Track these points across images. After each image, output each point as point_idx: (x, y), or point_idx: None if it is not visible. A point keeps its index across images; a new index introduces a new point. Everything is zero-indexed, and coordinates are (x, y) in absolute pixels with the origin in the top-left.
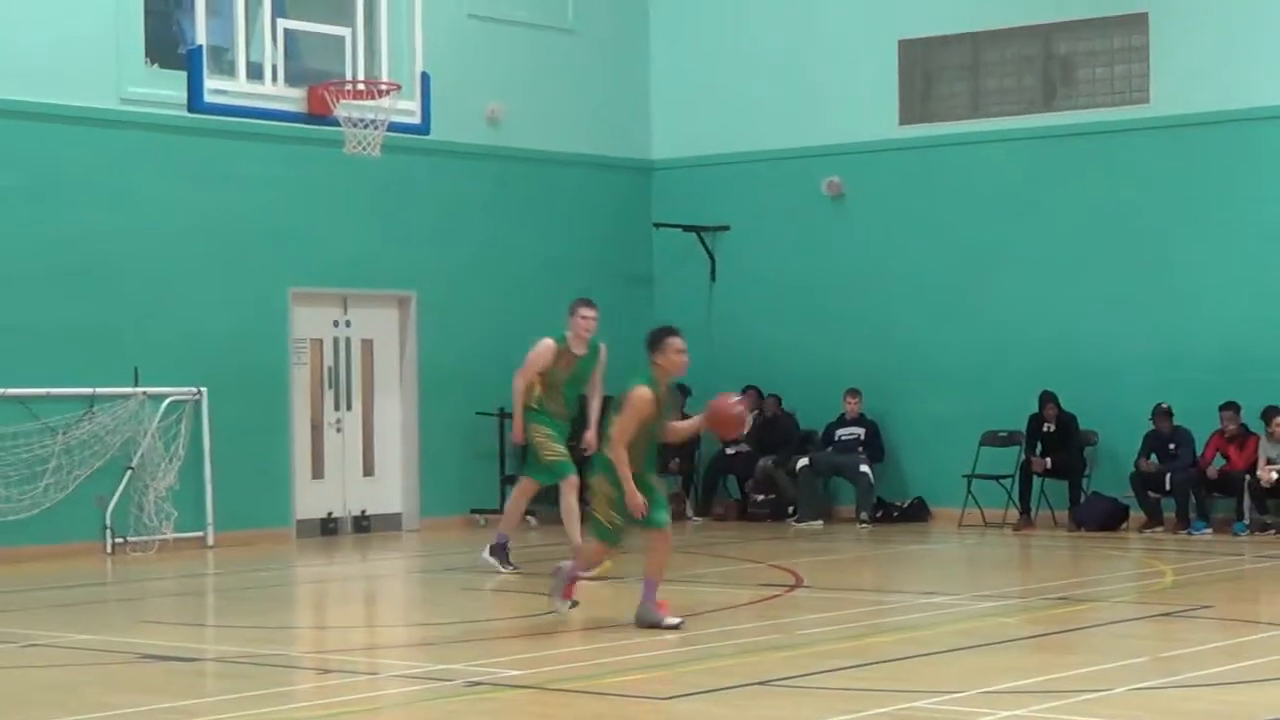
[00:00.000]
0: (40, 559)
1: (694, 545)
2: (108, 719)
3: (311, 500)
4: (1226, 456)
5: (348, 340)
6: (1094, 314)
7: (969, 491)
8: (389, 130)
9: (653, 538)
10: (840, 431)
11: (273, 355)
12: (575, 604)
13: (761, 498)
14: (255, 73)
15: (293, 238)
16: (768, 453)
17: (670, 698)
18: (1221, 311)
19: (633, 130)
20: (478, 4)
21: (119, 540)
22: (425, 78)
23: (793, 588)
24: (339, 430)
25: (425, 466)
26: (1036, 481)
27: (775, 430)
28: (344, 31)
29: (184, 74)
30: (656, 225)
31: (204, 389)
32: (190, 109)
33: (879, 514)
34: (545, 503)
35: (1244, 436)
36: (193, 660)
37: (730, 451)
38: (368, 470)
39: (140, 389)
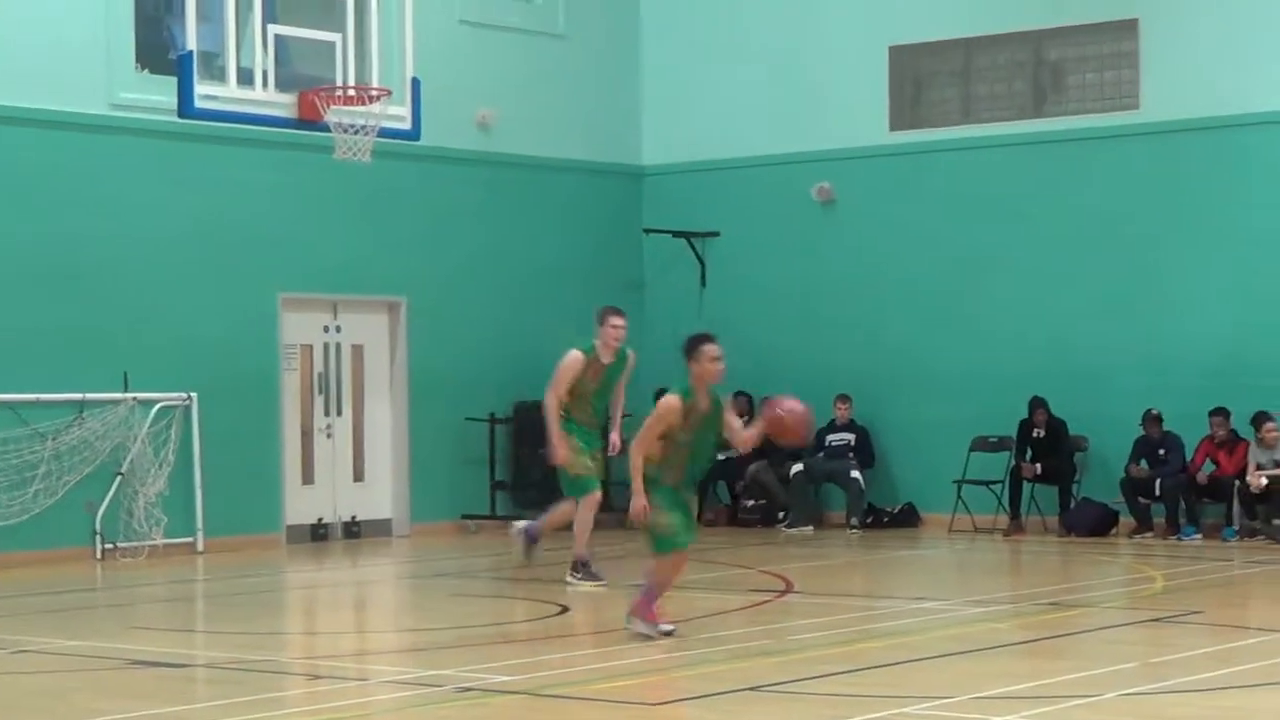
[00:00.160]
0: (30, 565)
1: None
2: None
3: (302, 506)
4: (1216, 462)
5: (338, 346)
6: (1084, 319)
7: (959, 497)
8: (379, 136)
9: (669, 557)
10: (831, 437)
11: (263, 361)
12: (670, 631)
13: (752, 503)
14: (245, 78)
15: (283, 243)
16: (758, 458)
17: (661, 703)
18: (1211, 317)
19: (623, 136)
20: (469, 9)
21: (109, 546)
22: (416, 83)
23: (783, 593)
24: (329, 436)
25: (415, 472)
26: (1026, 487)
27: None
28: (334, 37)
29: (174, 79)
30: (647, 231)
31: (194, 394)
32: (180, 114)
33: (869, 519)
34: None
35: (1234, 442)
36: (183, 666)
37: (720, 456)
38: (358, 476)
39: (130, 394)
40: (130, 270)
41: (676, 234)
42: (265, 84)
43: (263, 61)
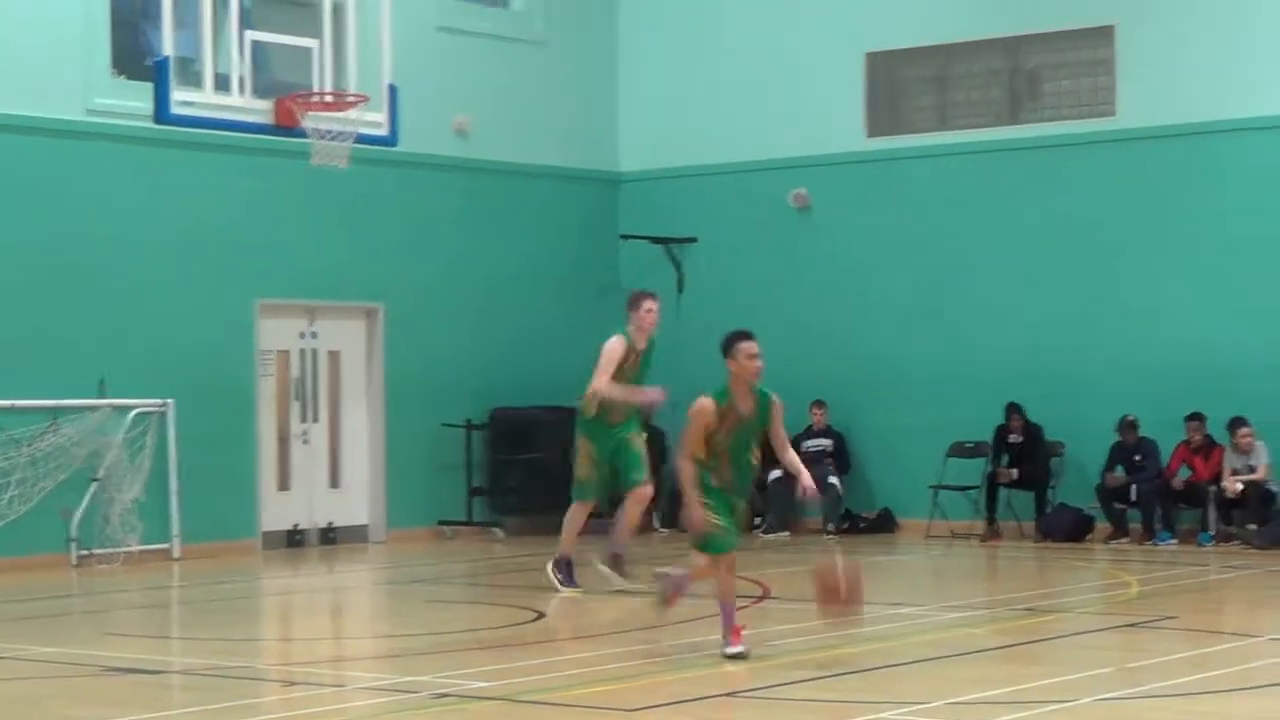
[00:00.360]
0: (5, 571)
1: (661, 557)
2: None
3: (278, 512)
4: (1192, 467)
5: (315, 352)
6: (1060, 326)
7: (935, 502)
8: (357, 142)
9: (717, 559)
10: (807, 443)
11: (239, 367)
12: (743, 654)
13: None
14: (222, 84)
15: (260, 249)
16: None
17: (637, 709)
18: (1187, 323)
19: (600, 142)
20: (446, 16)
21: (84, 553)
22: (393, 90)
23: (760, 599)
24: (305, 442)
25: (392, 478)
26: (1003, 492)
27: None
28: (312, 43)
29: (151, 85)
30: (624, 237)
31: (170, 400)
32: (157, 120)
33: (846, 525)
34: (511, 514)
35: (1209, 448)
36: (158, 673)
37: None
38: (334, 482)
39: (106, 400)
40: (107, 276)
41: (653, 240)
42: (242, 90)
43: (240, 67)
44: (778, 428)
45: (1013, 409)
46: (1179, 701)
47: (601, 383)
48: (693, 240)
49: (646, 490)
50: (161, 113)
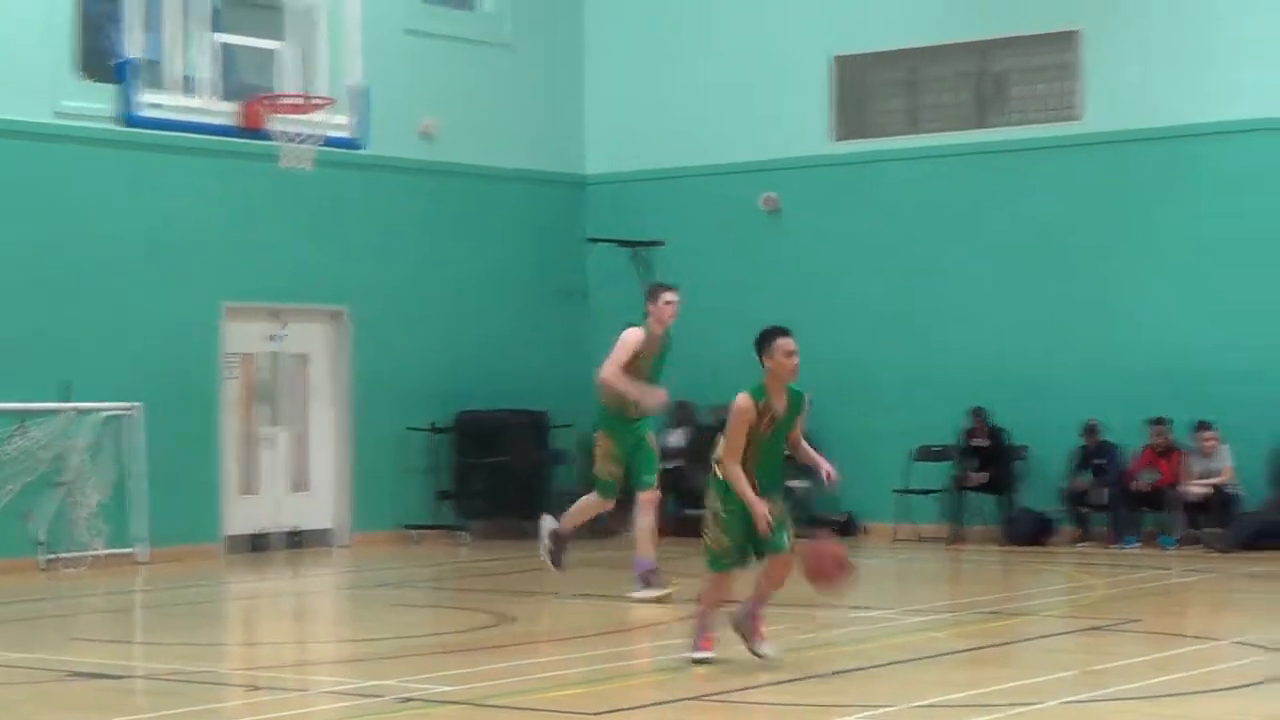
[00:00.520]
0: None
1: (626, 560)
2: None
3: (243, 516)
4: (1156, 471)
5: (281, 355)
6: (1025, 329)
7: (901, 506)
8: (324, 145)
9: (771, 562)
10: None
11: (205, 370)
12: (762, 653)
13: (693, 512)
14: (189, 86)
15: (226, 252)
16: (701, 465)
17: (602, 713)
18: (1151, 327)
19: (568, 145)
20: (413, 19)
21: (51, 557)
22: (360, 92)
23: (725, 603)
24: (271, 446)
25: (358, 482)
26: (968, 496)
27: (712, 442)
28: (279, 46)
29: (117, 87)
30: (591, 240)
31: (137, 404)
32: (123, 123)
33: (812, 529)
34: (477, 518)
35: (1173, 451)
36: (122, 678)
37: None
38: (300, 486)
39: (72, 404)
40: (73, 279)
41: (621, 243)
42: (209, 92)
43: (206, 70)
44: (800, 424)
45: (977, 413)
46: (1142, 704)
47: (610, 371)
48: (660, 244)
49: (656, 493)
50: (128, 115)
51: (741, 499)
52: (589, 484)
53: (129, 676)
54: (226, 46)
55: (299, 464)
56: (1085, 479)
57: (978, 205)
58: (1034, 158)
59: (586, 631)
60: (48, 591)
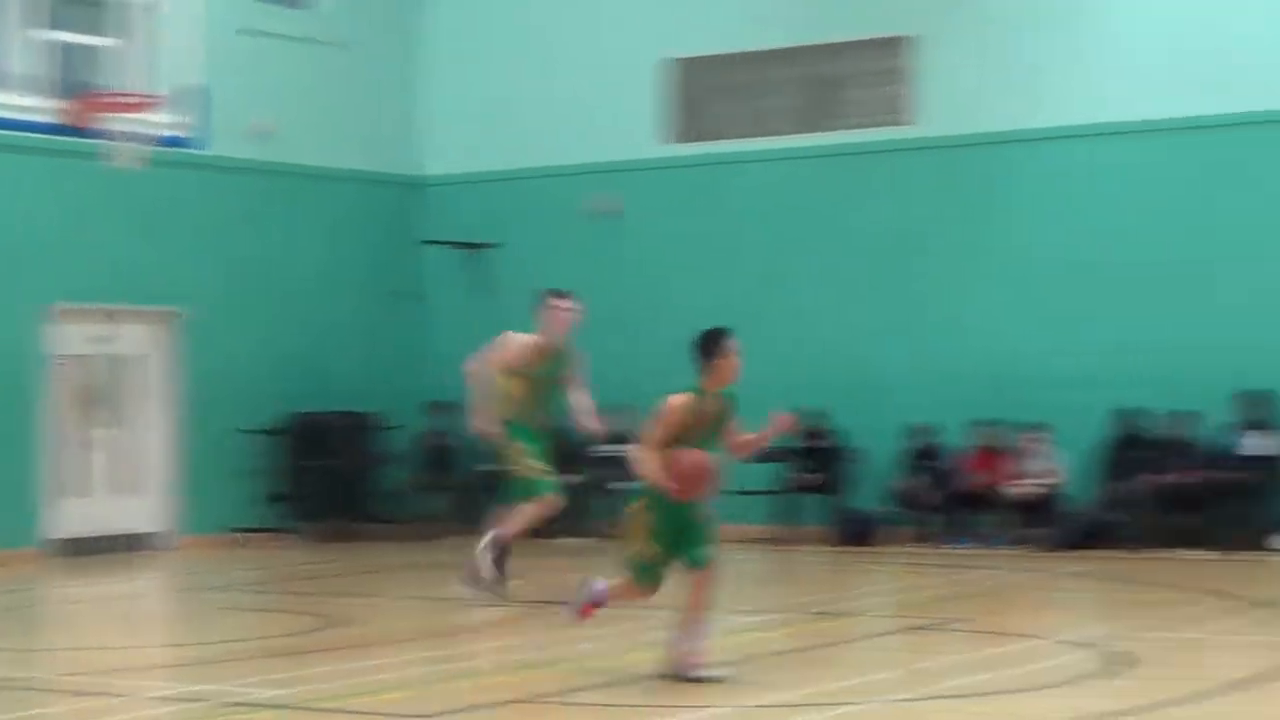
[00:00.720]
0: None
1: (454, 563)
2: None
3: (71, 519)
4: (985, 472)
5: (111, 356)
6: (857, 332)
7: (733, 507)
8: (158, 144)
9: (696, 579)
10: (608, 449)
11: (33, 371)
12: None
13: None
14: (19, 84)
15: (56, 252)
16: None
17: (430, 715)
18: (980, 330)
19: (405, 146)
20: (249, 18)
21: None
22: (194, 91)
23: (555, 603)
24: (101, 448)
25: (186, 485)
26: (801, 497)
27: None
28: (112, 44)
29: None
30: (426, 242)
31: None
32: None
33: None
34: (308, 520)
35: (1003, 452)
36: None
37: (484, 469)
38: (129, 488)
39: None
40: None
41: (458, 245)
42: (40, 90)
43: (37, 67)
44: (736, 425)
45: (810, 414)
46: (967, 703)
47: (472, 366)
48: (498, 245)
49: (558, 499)
50: None
51: (652, 482)
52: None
53: None
54: (59, 44)
55: (129, 466)
56: (916, 480)
57: (812, 209)
58: (867, 162)
59: (417, 634)
60: None
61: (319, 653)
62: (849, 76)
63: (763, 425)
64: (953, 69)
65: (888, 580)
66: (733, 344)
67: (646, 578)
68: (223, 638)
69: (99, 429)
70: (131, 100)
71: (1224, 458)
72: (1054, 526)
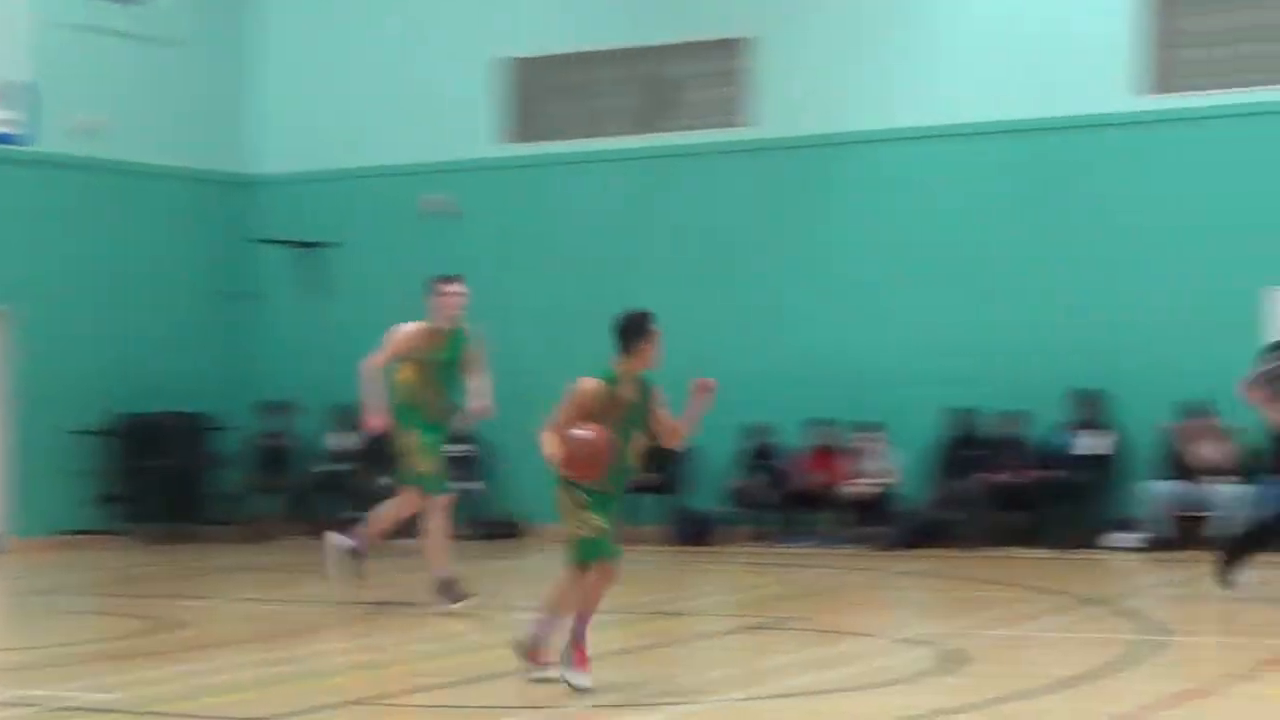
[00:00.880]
0: None
1: (289, 564)
2: None
3: None
4: (822, 471)
5: None
6: (695, 331)
7: None
8: None
9: (599, 571)
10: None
11: None
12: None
13: (362, 515)
14: None
15: None
16: (374, 468)
17: (267, 718)
18: (818, 329)
19: (238, 144)
20: (78, 14)
21: None
22: (22, 87)
23: (391, 604)
24: None
25: (16, 486)
26: (638, 496)
27: (386, 445)
28: None
29: None
30: (260, 241)
31: None
32: None
33: (482, 531)
34: (140, 522)
35: (839, 452)
36: None
37: (320, 469)
38: None
39: None
40: None
41: (292, 244)
42: None
43: None
44: (663, 411)
45: None
46: (806, 701)
47: (368, 362)
48: (333, 244)
49: (450, 497)
50: None
51: (560, 452)
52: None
53: None
54: None
55: None
56: (753, 480)
57: (649, 210)
58: (703, 163)
59: (253, 636)
60: None
61: (152, 655)
62: (685, 78)
63: (684, 408)
64: (788, 71)
65: (725, 580)
66: (654, 328)
67: (596, 553)
68: (52, 641)
69: None
70: None
71: (1056, 457)
72: (889, 525)
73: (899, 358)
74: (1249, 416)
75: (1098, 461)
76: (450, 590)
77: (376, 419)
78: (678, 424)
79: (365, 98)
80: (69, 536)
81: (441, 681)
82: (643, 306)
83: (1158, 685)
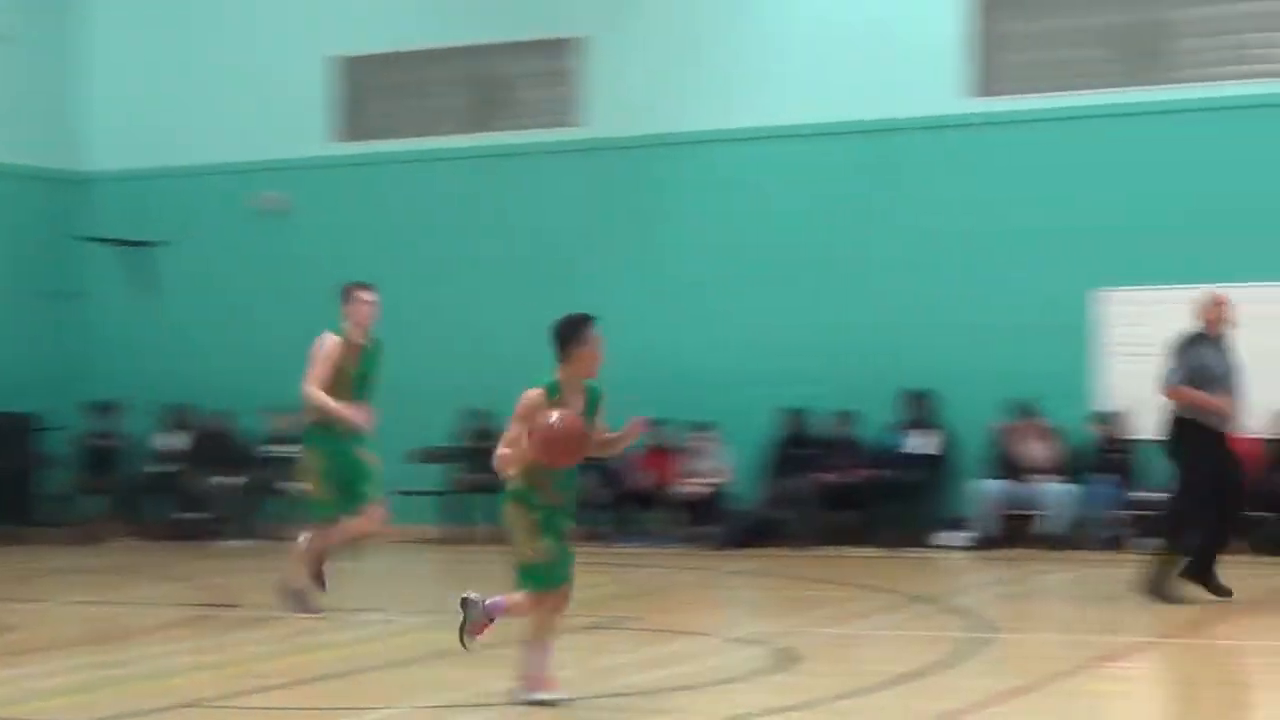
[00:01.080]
0: None
1: (119, 566)
2: None
3: None
4: (655, 471)
5: None
6: (526, 330)
7: (403, 508)
8: None
9: (541, 595)
10: (273, 448)
11: None
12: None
13: (192, 516)
14: None
15: None
16: (203, 468)
17: None
18: (650, 329)
19: (65, 141)
20: None
21: None
22: None
23: (222, 606)
24: None
25: None
26: (470, 496)
27: (215, 446)
28: None
29: None
30: (86, 239)
31: None
32: None
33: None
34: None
35: (672, 451)
36: None
37: (151, 470)
38: None
39: None
40: None
41: (120, 243)
42: None
43: None
44: (603, 423)
45: (474, 414)
46: (640, 700)
47: (309, 388)
48: (161, 243)
49: (379, 508)
50: None
51: (521, 462)
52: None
53: None
54: None
55: None
56: (585, 479)
57: (480, 209)
58: (535, 162)
59: (82, 639)
60: None
61: None
62: (517, 77)
63: (624, 426)
64: (620, 71)
65: None
66: (593, 333)
67: (547, 579)
68: None
69: None
70: None
71: (887, 456)
72: (722, 525)
73: (731, 358)
74: (1074, 416)
75: (927, 461)
76: (301, 601)
77: (357, 414)
78: (607, 439)
79: (196, 95)
80: None
81: (279, 683)
82: (583, 310)
83: (985, 682)
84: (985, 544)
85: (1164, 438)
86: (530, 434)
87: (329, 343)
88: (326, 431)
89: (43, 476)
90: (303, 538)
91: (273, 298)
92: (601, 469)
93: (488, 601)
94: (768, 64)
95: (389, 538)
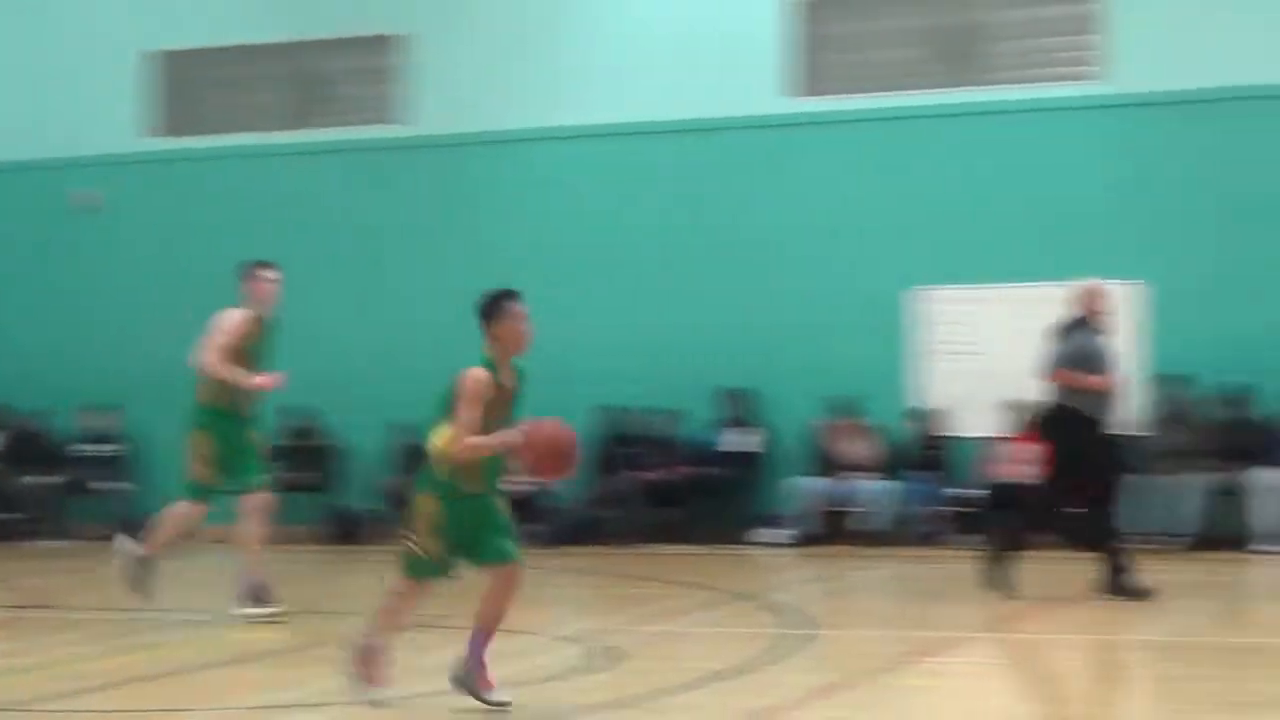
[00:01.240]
0: None
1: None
2: None
3: None
4: None
5: None
6: (345, 329)
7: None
8: None
9: (494, 574)
10: (86, 448)
11: None
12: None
13: (5, 516)
14: None
15: None
16: (16, 468)
17: None
18: (462, 326)
19: None
20: None
21: None
22: None
23: (37, 607)
24: None
25: None
26: (290, 495)
27: (29, 446)
28: None
29: None
30: None
31: None
32: None
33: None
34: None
35: None
36: None
37: None
38: None
39: None
40: None
41: None
42: None
43: None
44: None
45: (286, 413)
46: (461, 699)
47: (209, 358)
48: None
49: (267, 496)
50: None
51: (496, 449)
52: None
53: None
54: None
55: None
56: (404, 478)
57: (301, 206)
58: (356, 159)
59: None
60: None
61: None
62: (339, 74)
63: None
64: (444, 69)
65: (377, 578)
66: (515, 307)
67: (421, 571)
68: None
69: None
70: None
71: (706, 454)
72: (545, 523)
73: (551, 356)
74: (893, 414)
75: (747, 458)
76: (259, 595)
77: (264, 379)
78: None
79: (8, 90)
80: None
81: (98, 684)
82: (507, 286)
83: (805, 678)
84: (805, 541)
85: (1043, 422)
86: (526, 437)
87: (235, 316)
88: (216, 414)
89: None
90: (242, 529)
91: (90, 296)
92: (408, 469)
93: (367, 641)
94: (592, 62)
95: (210, 537)
